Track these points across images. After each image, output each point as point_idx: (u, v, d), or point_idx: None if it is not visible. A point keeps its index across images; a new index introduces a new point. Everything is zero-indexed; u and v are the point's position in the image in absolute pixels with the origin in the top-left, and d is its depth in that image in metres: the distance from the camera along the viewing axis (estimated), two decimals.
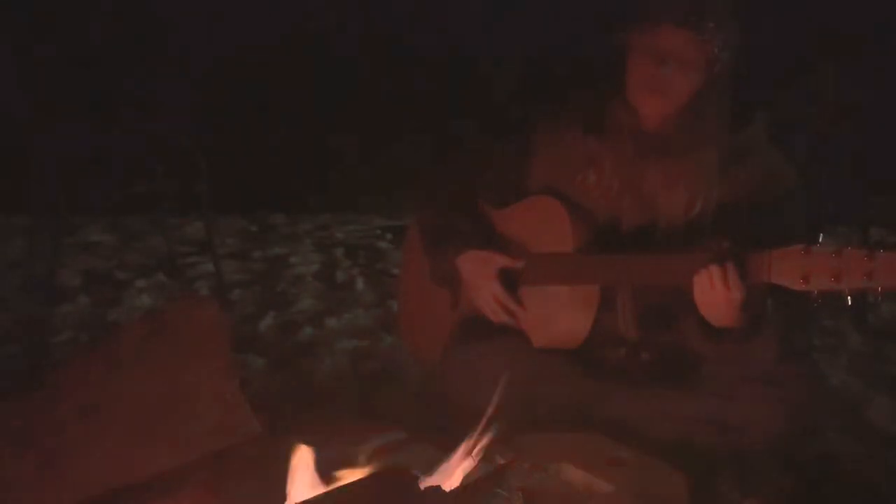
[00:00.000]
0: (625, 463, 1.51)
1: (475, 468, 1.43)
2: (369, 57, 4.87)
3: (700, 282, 1.59)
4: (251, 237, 4.16)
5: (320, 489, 1.39)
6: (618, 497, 1.43)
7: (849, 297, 1.45)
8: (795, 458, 1.76)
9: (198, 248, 3.74)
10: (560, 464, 1.49)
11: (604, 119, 1.79)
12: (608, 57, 1.75)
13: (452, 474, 1.42)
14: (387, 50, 4.85)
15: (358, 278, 3.49)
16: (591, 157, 1.80)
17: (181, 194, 3.12)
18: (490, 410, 1.44)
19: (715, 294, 1.57)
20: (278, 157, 4.72)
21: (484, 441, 1.43)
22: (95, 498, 1.44)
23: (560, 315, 1.81)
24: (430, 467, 1.44)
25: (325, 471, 1.43)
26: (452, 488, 1.40)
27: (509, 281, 1.87)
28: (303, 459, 1.40)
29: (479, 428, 1.43)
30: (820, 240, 1.48)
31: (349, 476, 1.42)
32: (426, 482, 1.40)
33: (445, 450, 1.46)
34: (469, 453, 1.42)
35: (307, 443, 1.42)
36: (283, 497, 1.39)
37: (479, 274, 1.87)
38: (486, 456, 1.45)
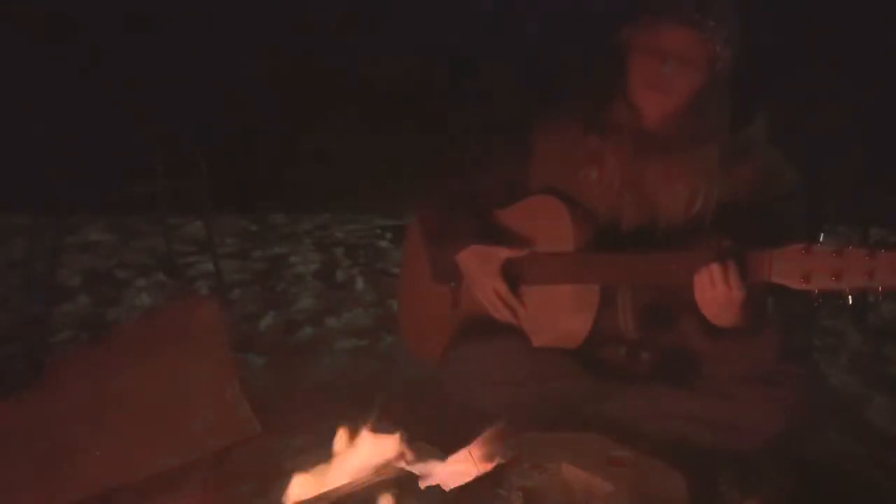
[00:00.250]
0: (625, 463, 1.51)
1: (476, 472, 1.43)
2: (369, 57, 4.86)
3: (700, 281, 1.59)
4: (251, 237, 4.16)
5: (318, 490, 1.39)
6: (618, 497, 1.43)
7: (849, 297, 1.45)
8: (795, 458, 1.76)
9: (198, 247, 3.74)
10: (560, 464, 1.49)
11: (605, 118, 1.79)
12: (609, 55, 1.75)
13: (452, 474, 1.42)
14: (387, 49, 4.85)
15: (358, 278, 3.49)
16: (591, 155, 1.79)
17: (181, 194, 3.12)
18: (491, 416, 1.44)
19: (715, 293, 1.57)
20: (278, 157, 4.72)
21: (485, 447, 1.44)
22: (95, 498, 1.44)
23: (560, 315, 1.80)
24: (430, 467, 1.44)
25: (323, 471, 1.43)
26: (452, 488, 1.40)
27: (510, 280, 1.87)
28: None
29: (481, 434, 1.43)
30: (821, 239, 1.48)
31: (346, 477, 1.42)
32: (426, 482, 1.40)
33: (445, 450, 1.46)
34: (471, 459, 1.42)
35: (307, 443, 1.42)
36: (283, 497, 1.39)
37: (482, 270, 1.87)
38: (486, 456, 1.45)
